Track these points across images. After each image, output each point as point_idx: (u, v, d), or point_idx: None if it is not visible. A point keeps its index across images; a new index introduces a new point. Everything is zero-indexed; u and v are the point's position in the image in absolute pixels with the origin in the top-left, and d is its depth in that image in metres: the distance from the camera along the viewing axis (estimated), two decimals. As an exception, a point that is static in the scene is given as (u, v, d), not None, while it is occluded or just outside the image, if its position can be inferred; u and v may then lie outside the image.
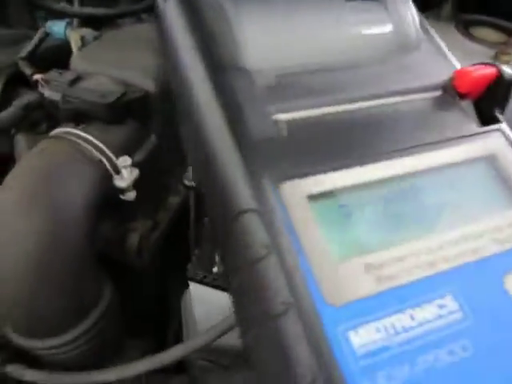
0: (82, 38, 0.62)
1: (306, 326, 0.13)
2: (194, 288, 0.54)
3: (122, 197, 0.54)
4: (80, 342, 0.49)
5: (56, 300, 0.44)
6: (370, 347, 0.13)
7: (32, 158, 0.45)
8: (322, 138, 0.18)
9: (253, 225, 0.14)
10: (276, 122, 0.17)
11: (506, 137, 0.21)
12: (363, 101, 0.19)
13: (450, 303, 0.14)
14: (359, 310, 0.13)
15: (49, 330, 0.46)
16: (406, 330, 0.13)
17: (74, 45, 0.62)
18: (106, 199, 0.51)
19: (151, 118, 0.57)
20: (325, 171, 0.16)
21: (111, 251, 0.59)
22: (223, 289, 0.52)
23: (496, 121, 0.22)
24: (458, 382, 0.12)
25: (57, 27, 0.63)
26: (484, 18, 0.72)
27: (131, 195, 0.53)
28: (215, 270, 0.51)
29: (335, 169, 0.16)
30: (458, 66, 0.23)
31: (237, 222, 0.15)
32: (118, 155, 0.51)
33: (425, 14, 0.74)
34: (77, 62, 0.55)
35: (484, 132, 0.21)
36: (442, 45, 0.24)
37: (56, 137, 0.48)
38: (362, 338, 0.13)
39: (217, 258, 0.52)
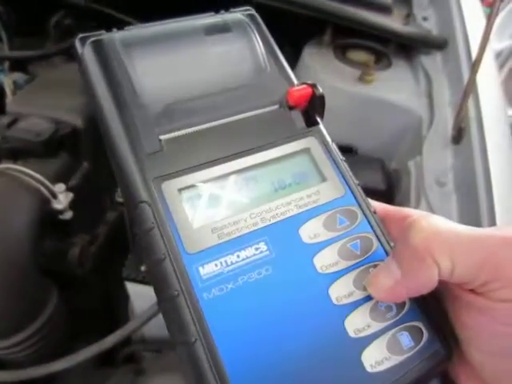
0: (15, 82, 0.71)
1: (175, 266, 0.22)
2: (130, 286, 0.65)
3: (60, 217, 0.64)
4: (30, 342, 0.58)
5: (7, 303, 0.54)
6: (211, 275, 0.22)
7: (-21, 192, 0.55)
8: (190, 149, 0.26)
9: (145, 210, 0.23)
10: (160, 140, 0.25)
11: (319, 134, 0.29)
12: (223, 118, 0.27)
13: (263, 246, 0.24)
14: (205, 255, 0.23)
15: (3, 331, 0.56)
16: (233, 263, 0.23)
17: (8, 88, 0.71)
18: (47, 219, 0.61)
19: (81, 148, 0.68)
20: (190, 172, 0.25)
21: (55, 263, 0.69)
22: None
23: (316, 124, 0.29)
24: (261, 287, 0.22)
25: (-9, 74, 0.72)
26: (356, 41, 0.87)
27: (68, 215, 0.64)
28: (143, 268, 0.63)
29: (197, 170, 0.25)
30: (295, 83, 0.29)
31: (136, 208, 0.24)
32: (54, 183, 0.61)
33: (308, 41, 0.88)
34: (12, 106, 0.64)
35: (304, 133, 0.28)
36: (285, 65, 0.30)
37: (-2, 172, 0.58)
38: (206, 270, 0.22)
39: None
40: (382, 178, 0.75)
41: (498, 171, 0.63)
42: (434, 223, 0.22)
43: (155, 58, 0.27)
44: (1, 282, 0.53)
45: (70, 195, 0.62)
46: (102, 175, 0.76)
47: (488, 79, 0.73)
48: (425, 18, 0.87)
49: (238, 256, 0.23)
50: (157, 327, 0.79)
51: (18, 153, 0.61)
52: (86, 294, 0.82)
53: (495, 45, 1.96)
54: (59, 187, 0.61)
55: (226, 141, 0.27)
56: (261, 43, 0.30)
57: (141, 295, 0.66)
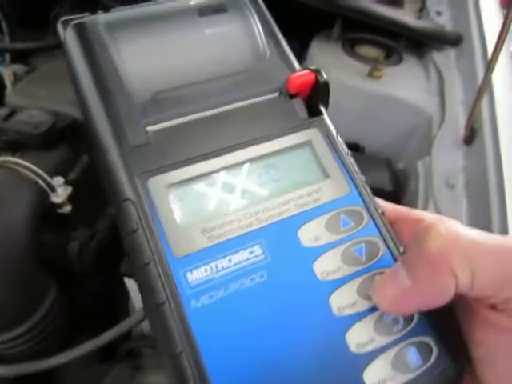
0: (15, 74, 0.70)
1: (161, 270, 0.20)
2: (129, 282, 0.64)
3: (59, 211, 0.63)
4: (30, 335, 0.58)
5: (7, 297, 0.53)
6: (199, 281, 0.21)
7: (-25, 184, 0.54)
8: (180, 142, 0.23)
9: (129, 209, 0.22)
10: (147, 132, 0.23)
11: (323, 125, 0.26)
12: (216, 107, 0.25)
13: (257, 250, 0.22)
14: (194, 259, 0.21)
15: (2, 324, 0.55)
16: (224, 268, 0.21)
17: (8, 80, 0.69)
18: (46, 213, 0.60)
19: (82, 141, 0.66)
20: (179, 167, 0.23)
21: (56, 258, 0.68)
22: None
23: (320, 113, 0.26)
24: (254, 295, 0.21)
25: (-10, 65, 0.71)
26: (365, 35, 0.84)
27: (67, 208, 0.62)
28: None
29: (187, 164, 0.23)
30: (297, 69, 0.27)
31: (120, 207, 0.22)
32: (52, 176, 0.60)
33: (316, 35, 0.86)
34: (11, 98, 0.63)
35: (306, 124, 0.26)
36: (287, 50, 0.28)
37: (-5, 165, 0.57)
38: (195, 276, 0.20)
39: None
40: (388, 179, 0.73)
41: (512, 174, 0.61)
42: (453, 229, 0.20)
43: (143, 41, 0.25)
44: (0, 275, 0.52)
45: (69, 189, 0.61)
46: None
47: (503, 78, 0.70)
48: (438, 13, 0.84)
49: (230, 260, 0.21)
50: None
51: (16, 145, 0.60)
52: (86, 288, 0.81)
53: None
54: (57, 180, 0.59)
55: (220, 132, 0.24)
56: (259, 25, 0.27)
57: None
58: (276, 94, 0.26)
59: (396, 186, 0.71)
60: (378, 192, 0.26)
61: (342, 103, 0.73)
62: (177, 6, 0.26)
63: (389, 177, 0.71)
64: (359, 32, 0.85)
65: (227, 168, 0.24)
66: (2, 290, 0.53)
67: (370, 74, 0.74)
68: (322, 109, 0.27)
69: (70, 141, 0.65)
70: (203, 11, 0.26)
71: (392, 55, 0.83)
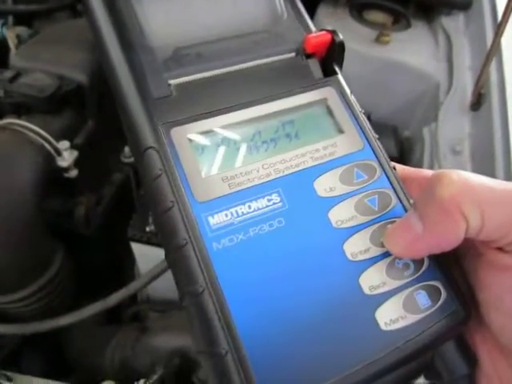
0: (18, 36, 0.69)
1: (184, 213, 0.21)
2: (135, 246, 0.65)
3: (65, 175, 0.63)
4: (36, 297, 0.59)
5: (13, 259, 0.54)
6: (221, 225, 0.21)
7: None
8: (201, 95, 0.24)
9: (152, 156, 0.22)
10: (169, 85, 0.24)
11: (338, 84, 0.26)
12: (236, 64, 0.25)
13: (275, 198, 0.22)
14: (215, 204, 0.22)
15: (9, 285, 0.56)
16: (244, 214, 0.22)
17: (11, 42, 0.69)
18: (52, 177, 0.60)
19: (86, 106, 0.66)
20: (201, 119, 0.23)
21: (62, 222, 0.69)
22: (157, 244, 0.62)
23: (335, 73, 0.27)
24: (272, 240, 0.21)
25: (-7, 27, 0.69)
26: (373, 0, 0.83)
27: (73, 173, 0.63)
28: (148, 229, 0.62)
29: (208, 117, 0.24)
30: (313, 30, 0.28)
31: (144, 155, 0.23)
32: (58, 140, 0.60)
33: (324, 0, 0.84)
34: (16, 60, 0.62)
35: (322, 82, 0.26)
36: (303, 12, 0.29)
37: (0, 127, 0.57)
38: (216, 219, 0.21)
39: (150, 220, 0.63)
40: (394, 145, 0.73)
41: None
42: (464, 176, 0.21)
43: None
44: (6, 237, 0.53)
45: (75, 153, 0.61)
46: (108, 135, 0.74)
47: (512, 42, 0.69)
48: (448, -23, 0.82)
49: (250, 207, 0.22)
50: (161, 288, 0.79)
51: (21, 108, 0.60)
52: (92, 253, 0.82)
53: None
54: (63, 144, 0.59)
55: (239, 88, 0.25)
56: None
57: (146, 256, 0.66)
58: (292, 54, 0.27)
59: (401, 153, 0.72)
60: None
61: (348, 69, 0.71)
62: None
63: (394, 143, 0.71)
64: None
65: (247, 121, 0.24)
66: (7, 252, 0.54)
67: (377, 40, 0.73)
68: (337, 69, 0.27)
69: (74, 106, 0.65)
70: None
71: (400, 21, 0.82)
